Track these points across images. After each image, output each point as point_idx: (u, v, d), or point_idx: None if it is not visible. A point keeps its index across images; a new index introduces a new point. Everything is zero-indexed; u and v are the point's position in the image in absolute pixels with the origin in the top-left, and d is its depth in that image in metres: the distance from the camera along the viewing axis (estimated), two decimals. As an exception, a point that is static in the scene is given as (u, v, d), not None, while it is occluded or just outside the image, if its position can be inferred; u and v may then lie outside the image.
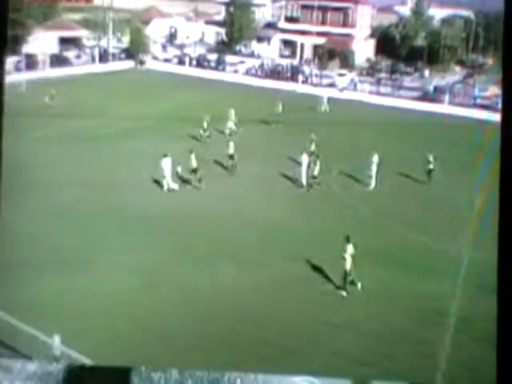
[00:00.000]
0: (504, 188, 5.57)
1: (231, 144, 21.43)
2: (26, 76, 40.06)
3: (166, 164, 18.81)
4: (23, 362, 5.35)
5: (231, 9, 52.73)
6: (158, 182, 19.56)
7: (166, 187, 19.01)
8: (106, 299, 12.17)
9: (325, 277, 13.74)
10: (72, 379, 5.19)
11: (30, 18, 46.36)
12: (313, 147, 22.56)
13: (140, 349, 10.38)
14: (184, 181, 19.57)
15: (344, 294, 13.05)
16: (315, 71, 45.54)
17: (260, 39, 52.72)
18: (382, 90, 41.10)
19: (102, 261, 14.04)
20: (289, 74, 46.28)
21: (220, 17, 54.79)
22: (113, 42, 51.26)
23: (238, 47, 52.30)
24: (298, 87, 41.89)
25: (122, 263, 13.94)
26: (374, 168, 20.95)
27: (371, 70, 45.65)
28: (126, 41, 51.93)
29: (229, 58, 49.61)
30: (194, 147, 20.99)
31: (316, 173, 20.25)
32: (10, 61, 42.77)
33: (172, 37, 56.26)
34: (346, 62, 45.28)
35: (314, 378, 5.41)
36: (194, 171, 19.33)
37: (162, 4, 58.89)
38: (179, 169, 19.53)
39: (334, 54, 46.85)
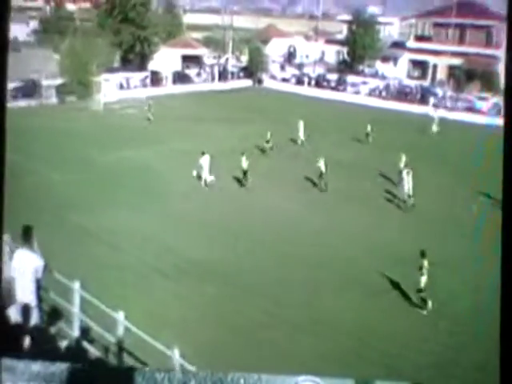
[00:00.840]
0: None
1: (322, 161, 21.58)
2: (151, 92, 40.83)
3: (205, 161, 20.93)
4: (26, 362, 5.08)
5: (354, 27, 50.50)
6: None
7: (203, 182, 20.87)
8: (229, 316, 11.93)
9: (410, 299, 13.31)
10: (75, 380, 5.01)
11: (155, 35, 47.41)
12: (404, 167, 21.71)
13: (256, 366, 9.63)
14: (239, 182, 21.27)
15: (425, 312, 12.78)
16: (449, 93, 41.99)
17: (385, 59, 49.83)
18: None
19: (222, 274, 13.90)
20: (418, 96, 43.30)
21: (341, 35, 52.70)
22: (232, 61, 51.08)
23: (360, 67, 49.81)
24: (430, 110, 38.65)
25: (245, 279, 13.69)
26: None
27: (520, 93, 41.17)
28: (244, 59, 51.64)
29: (350, 78, 47.47)
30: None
31: (411, 192, 19.80)
32: (137, 77, 43.92)
33: (291, 56, 55.15)
34: (489, 84, 41.07)
35: (317, 377, 5.18)
36: (245, 173, 21.04)
37: (281, 23, 58.34)
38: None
39: (474, 75, 42.82)
